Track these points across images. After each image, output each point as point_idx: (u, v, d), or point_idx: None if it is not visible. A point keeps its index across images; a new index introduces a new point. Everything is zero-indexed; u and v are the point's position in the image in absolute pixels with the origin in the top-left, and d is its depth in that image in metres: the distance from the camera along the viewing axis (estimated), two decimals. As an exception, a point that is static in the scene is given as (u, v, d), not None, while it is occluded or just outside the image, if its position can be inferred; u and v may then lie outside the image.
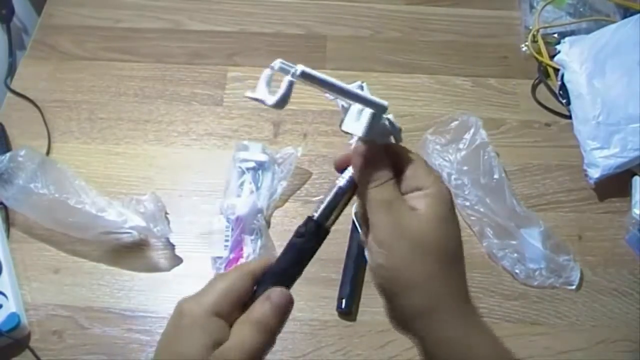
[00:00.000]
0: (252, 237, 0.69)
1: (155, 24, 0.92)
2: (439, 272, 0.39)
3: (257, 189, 0.72)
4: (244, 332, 0.36)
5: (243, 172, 0.72)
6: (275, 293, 0.38)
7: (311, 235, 0.42)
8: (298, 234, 0.42)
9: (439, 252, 0.39)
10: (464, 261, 0.41)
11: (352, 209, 0.74)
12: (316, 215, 0.43)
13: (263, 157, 0.73)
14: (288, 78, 0.38)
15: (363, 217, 0.42)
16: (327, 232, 0.43)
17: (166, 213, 0.72)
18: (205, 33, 0.91)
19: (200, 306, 0.37)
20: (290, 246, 0.41)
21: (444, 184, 0.40)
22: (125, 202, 0.69)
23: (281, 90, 0.38)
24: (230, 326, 0.37)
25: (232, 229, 0.69)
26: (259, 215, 0.70)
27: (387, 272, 0.39)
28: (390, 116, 0.43)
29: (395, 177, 0.41)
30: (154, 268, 0.70)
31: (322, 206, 0.43)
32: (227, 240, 0.69)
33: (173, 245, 0.71)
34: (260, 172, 0.73)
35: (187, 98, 0.84)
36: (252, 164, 0.73)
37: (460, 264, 0.40)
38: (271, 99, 0.37)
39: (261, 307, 0.37)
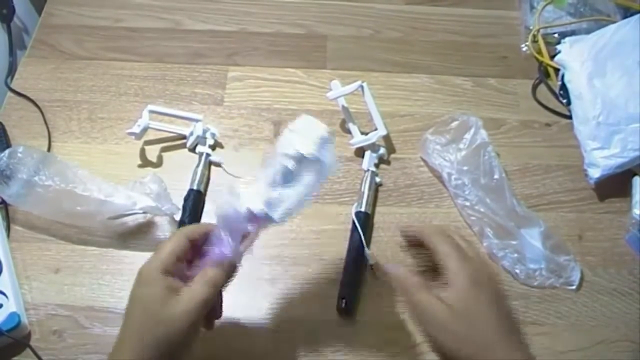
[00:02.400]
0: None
1: (155, 24, 0.92)
2: (483, 342, 0.49)
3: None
4: (197, 286, 0.50)
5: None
6: (226, 262, 0.51)
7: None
8: None
9: (478, 329, 0.50)
10: (509, 317, 0.53)
11: (352, 209, 0.75)
12: None
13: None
14: None
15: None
16: None
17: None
18: (205, 33, 0.91)
19: (151, 267, 0.50)
20: None
21: (467, 267, 0.53)
22: (130, 186, 0.70)
23: None
24: (180, 278, 0.51)
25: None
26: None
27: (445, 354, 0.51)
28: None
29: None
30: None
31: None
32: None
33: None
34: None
35: (187, 98, 0.84)
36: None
37: (501, 325, 0.50)
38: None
39: (211, 268, 0.51)
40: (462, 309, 0.50)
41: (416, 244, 0.59)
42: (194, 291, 0.50)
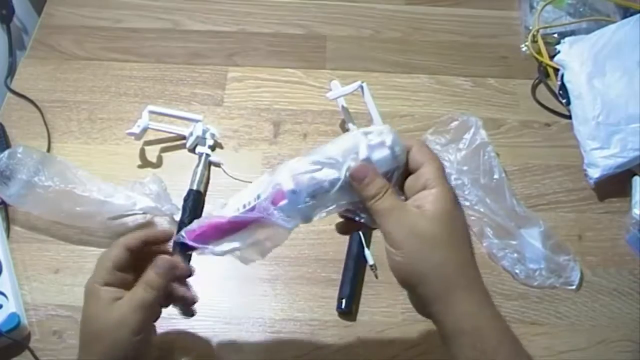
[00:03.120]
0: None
1: (155, 24, 0.92)
2: (448, 260, 0.44)
3: None
4: (135, 289, 0.51)
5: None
6: (159, 260, 0.52)
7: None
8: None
9: (446, 243, 0.44)
10: (473, 250, 0.45)
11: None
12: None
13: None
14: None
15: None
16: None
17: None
18: (205, 33, 0.91)
19: (91, 282, 0.52)
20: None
21: (447, 184, 0.45)
22: (129, 186, 0.70)
23: None
24: (127, 287, 0.52)
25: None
26: None
27: (404, 267, 0.44)
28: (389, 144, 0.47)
29: (409, 175, 0.47)
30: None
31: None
32: None
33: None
34: None
35: (187, 98, 0.84)
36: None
37: (467, 252, 0.45)
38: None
39: (149, 271, 0.52)
40: (444, 219, 0.44)
41: None
42: (132, 293, 0.51)
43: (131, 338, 0.50)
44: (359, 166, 0.46)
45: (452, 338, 0.43)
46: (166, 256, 0.53)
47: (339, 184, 0.46)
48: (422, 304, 0.45)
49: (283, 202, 0.47)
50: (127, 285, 0.52)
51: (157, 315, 0.56)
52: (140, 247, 0.53)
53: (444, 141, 0.76)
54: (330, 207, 0.48)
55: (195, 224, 0.52)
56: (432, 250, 0.44)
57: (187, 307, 0.59)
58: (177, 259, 0.54)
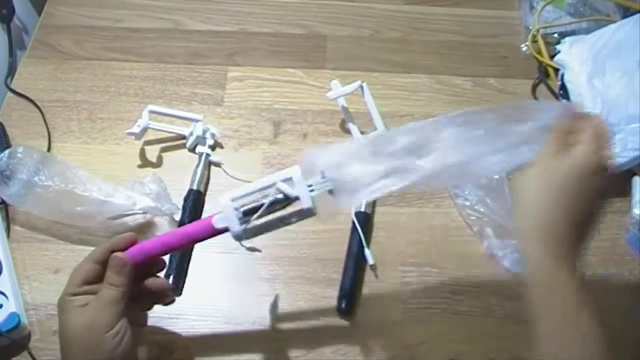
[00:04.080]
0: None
1: (155, 24, 0.92)
2: (555, 209, 0.48)
3: None
4: (100, 291, 0.53)
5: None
6: (112, 260, 0.54)
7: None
8: None
9: (563, 196, 0.47)
10: (592, 224, 0.49)
11: (352, 209, 0.74)
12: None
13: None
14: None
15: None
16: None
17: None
18: (205, 33, 0.91)
19: (65, 295, 0.53)
20: None
21: (594, 156, 0.48)
22: (129, 186, 0.70)
23: None
24: None
25: None
26: None
27: (520, 192, 0.49)
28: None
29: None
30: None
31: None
32: None
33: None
34: None
35: (187, 98, 0.84)
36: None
37: (579, 218, 0.48)
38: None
39: (107, 271, 0.53)
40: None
41: None
42: (97, 295, 0.53)
43: (104, 338, 0.50)
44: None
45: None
46: (119, 253, 0.54)
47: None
48: (521, 233, 0.49)
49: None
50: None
51: (137, 320, 0.57)
52: (107, 257, 0.54)
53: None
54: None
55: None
56: (546, 193, 0.49)
57: (166, 297, 0.60)
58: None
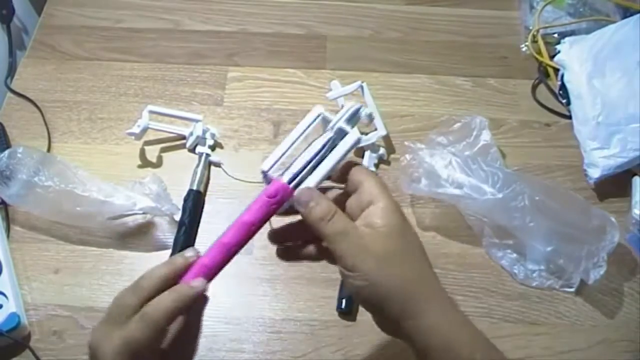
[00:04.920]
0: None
1: (155, 24, 0.92)
2: (407, 274, 0.43)
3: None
4: (128, 325, 0.42)
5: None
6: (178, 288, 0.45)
7: None
8: None
9: (402, 258, 0.43)
10: (428, 260, 0.45)
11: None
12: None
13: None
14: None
15: (328, 251, 0.45)
16: None
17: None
18: (205, 33, 0.91)
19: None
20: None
21: (392, 197, 0.44)
22: (129, 186, 0.70)
23: None
24: None
25: None
26: None
27: (365, 290, 0.43)
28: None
29: (351, 194, 0.46)
30: (161, 247, 0.71)
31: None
32: None
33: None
34: None
35: (187, 98, 0.84)
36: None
37: (424, 263, 0.45)
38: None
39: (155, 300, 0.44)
40: (396, 233, 0.43)
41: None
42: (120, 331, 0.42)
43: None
44: (303, 190, 0.44)
45: (424, 356, 0.43)
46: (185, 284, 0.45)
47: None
48: (389, 324, 0.44)
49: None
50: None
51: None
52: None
53: (446, 142, 0.75)
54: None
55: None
56: (390, 268, 0.42)
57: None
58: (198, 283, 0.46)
